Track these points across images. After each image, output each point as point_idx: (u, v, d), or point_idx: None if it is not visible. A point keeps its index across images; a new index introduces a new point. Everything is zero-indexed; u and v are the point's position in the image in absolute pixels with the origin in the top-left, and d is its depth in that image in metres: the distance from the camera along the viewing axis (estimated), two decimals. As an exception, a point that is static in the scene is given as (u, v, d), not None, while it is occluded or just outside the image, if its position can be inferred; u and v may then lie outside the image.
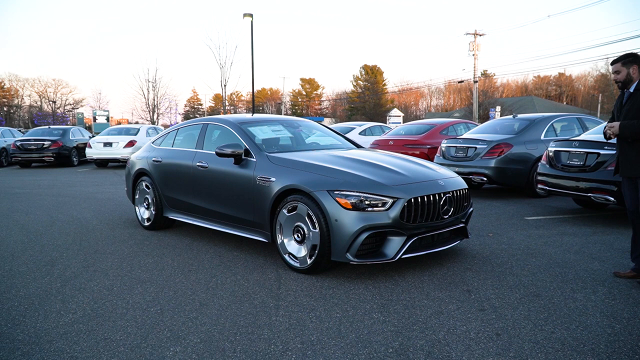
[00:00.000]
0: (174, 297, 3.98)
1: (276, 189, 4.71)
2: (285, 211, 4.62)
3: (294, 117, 6.48)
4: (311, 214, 4.37)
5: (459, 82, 58.81)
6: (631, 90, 4.16)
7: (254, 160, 5.10)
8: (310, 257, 4.42)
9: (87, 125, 53.28)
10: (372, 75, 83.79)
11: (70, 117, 70.32)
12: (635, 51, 4.33)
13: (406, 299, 3.85)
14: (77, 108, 72.73)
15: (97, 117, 47.97)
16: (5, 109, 75.15)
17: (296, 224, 4.56)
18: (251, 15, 21.98)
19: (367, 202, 4.20)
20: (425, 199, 4.37)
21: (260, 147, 5.26)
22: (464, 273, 4.49)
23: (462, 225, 4.88)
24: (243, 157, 5.18)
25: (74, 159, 18.69)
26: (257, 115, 6.57)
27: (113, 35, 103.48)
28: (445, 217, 4.56)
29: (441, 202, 4.49)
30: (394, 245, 4.28)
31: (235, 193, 5.23)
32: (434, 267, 4.68)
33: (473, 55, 49.13)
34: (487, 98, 56.18)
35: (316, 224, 4.33)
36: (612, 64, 4.25)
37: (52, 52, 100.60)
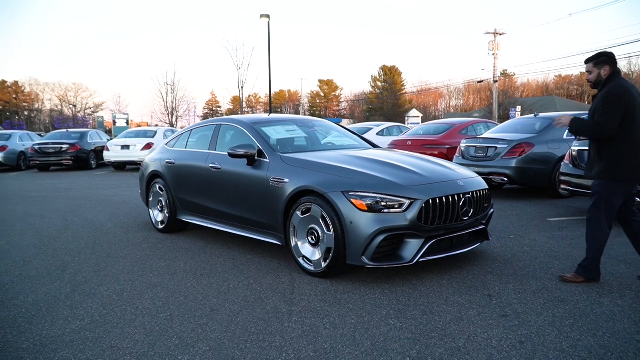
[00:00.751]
0: (184, 303, 3.87)
1: (289, 190, 4.58)
2: (299, 213, 4.49)
3: (309, 117, 6.36)
4: (325, 216, 4.23)
5: (479, 82, 58.31)
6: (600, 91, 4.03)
7: (267, 161, 4.98)
8: (325, 261, 4.29)
9: (107, 128, 53.87)
10: (390, 76, 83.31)
11: (91, 121, 71.13)
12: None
13: (424, 304, 3.69)
14: (97, 112, 73.63)
15: (116, 120, 48.38)
16: (26, 113, 76.35)
17: (310, 227, 4.43)
18: (268, 16, 21.96)
19: (383, 204, 4.05)
20: (444, 200, 4.20)
21: (273, 148, 5.14)
22: (485, 277, 4.31)
23: (482, 227, 4.70)
24: (256, 158, 5.07)
25: (92, 162, 18.80)
26: (271, 116, 6.47)
27: (132, 38, 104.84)
28: (465, 218, 4.39)
29: (460, 203, 4.32)
30: (412, 248, 4.12)
31: (248, 195, 5.12)
32: (453, 270, 4.51)
33: (493, 54, 48.62)
34: (508, 98, 55.44)
35: (331, 227, 4.19)
36: (585, 62, 4.08)
37: (71, 56, 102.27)
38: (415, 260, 4.08)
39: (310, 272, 4.43)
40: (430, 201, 4.12)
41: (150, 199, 6.75)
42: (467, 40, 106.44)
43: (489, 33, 48.50)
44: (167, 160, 6.42)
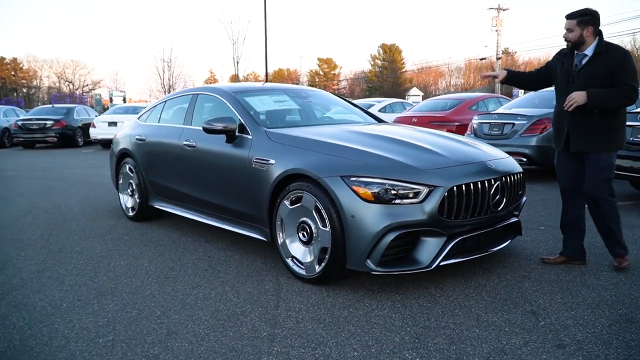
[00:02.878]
0: (135, 321, 2.98)
1: (276, 174, 3.66)
2: (287, 203, 3.58)
3: (303, 87, 5.41)
4: (320, 207, 3.32)
5: (481, 59, 56.95)
6: (587, 53, 3.56)
7: (250, 137, 4.05)
8: (319, 263, 3.38)
9: (105, 106, 52.61)
10: (390, 54, 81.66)
11: (88, 99, 69.82)
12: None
13: (449, 326, 2.80)
14: (95, 89, 72.27)
15: (113, 97, 47.10)
16: (24, 90, 74.96)
17: (301, 220, 3.52)
18: (263, -13, 20.76)
19: (394, 192, 3.13)
20: (472, 187, 3.28)
21: (258, 122, 4.19)
22: (521, 283, 3.42)
23: (515, 219, 3.79)
24: (237, 133, 4.13)
25: (79, 139, 17.81)
26: (257, 84, 5.51)
27: (129, 13, 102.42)
28: (497, 209, 3.48)
29: (492, 191, 3.40)
30: (430, 248, 3.21)
31: (227, 179, 4.20)
32: (478, 274, 3.62)
33: (496, 31, 47.37)
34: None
35: (327, 221, 3.28)
36: (566, 18, 3.59)
37: (69, 32, 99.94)
38: (434, 265, 3.19)
39: (302, 277, 3.53)
40: (455, 189, 3.20)
41: (120, 182, 5.83)
42: (468, 17, 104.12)
43: (492, 9, 47.14)
44: (137, 137, 5.48)
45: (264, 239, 3.90)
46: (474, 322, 2.85)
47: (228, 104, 4.48)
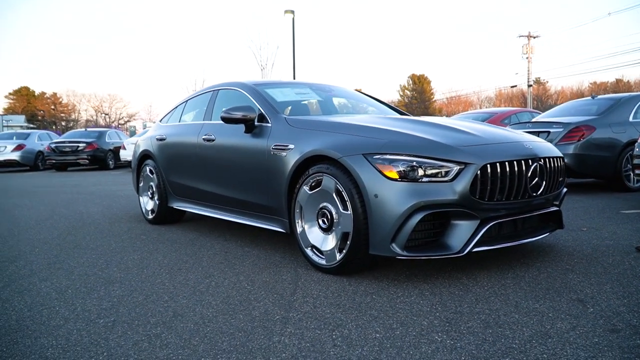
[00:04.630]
0: (140, 304, 2.76)
1: (295, 158, 3.45)
2: (306, 188, 3.35)
3: (326, 83, 5.23)
4: (341, 189, 3.08)
5: (512, 86, 56.48)
6: None
7: (269, 125, 3.86)
8: (340, 251, 3.12)
9: (138, 136, 53.70)
10: (419, 85, 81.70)
11: (124, 131, 71.62)
12: None
13: (485, 312, 2.49)
14: (130, 121, 74.20)
15: (147, 128, 48.14)
16: (63, 123, 77.35)
17: (321, 206, 3.28)
18: (292, 12, 20.98)
19: (421, 170, 2.87)
20: (507, 166, 3.00)
21: (277, 110, 4.01)
22: (565, 275, 3.08)
23: (555, 208, 3.47)
24: (256, 123, 3.96)
25: (110, 162, 18.05)
26: (280, 79, 5.36)
27: (163, 48, 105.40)
28: (535, 194, 3.18)
29: (529, 173, 3.11)
30: (462, 233, 2.92)
31: (245, 170, 4.00)
32: (515, 266, 3.29)
33: (527, 58, 46.88)
34: (542, 104, 53.31)
35: (348, 203, 3.04)
36: None
37: (108, 67, 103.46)
38: (466, 251, 2.89)
39: (322, 267, 3.27)
40: (489, 166, 2.93)
41: (141, 184, 5.71)
42: (498, 46, 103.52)
43: (522, 36, 46.76)
44: (157, 137, 5.37)
45: (283, 231, 3.67)
46: (513, 308, 2.54)
47: (249, 95, 4.33)
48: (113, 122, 75.69)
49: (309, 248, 3.37)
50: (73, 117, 79.23)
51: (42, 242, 4.56)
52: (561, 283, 2.93)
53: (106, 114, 76.26)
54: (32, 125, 60.33)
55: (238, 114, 3.91)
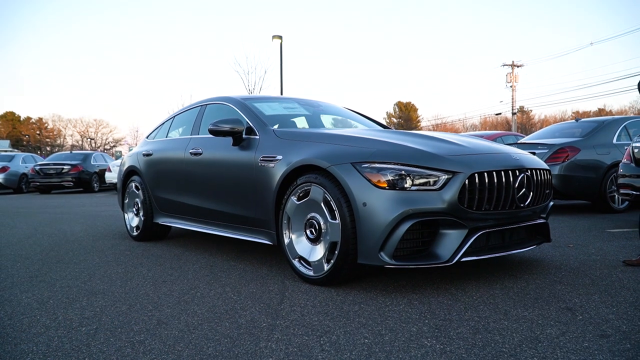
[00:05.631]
0: (124, 313, 2.70)
1: (283, 169, 3.44)
2: (294, 198, 3.33)
3: (314, 99, 5.25)
4: (329, 198, 3.07)
5: (497, 114, 57.12)
6: None
7: (257, 137, 3.86)
8: (328, 262, 3.10)
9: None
10: (406, 112, 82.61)
11: (110, 155, 71.15)
12: None
13: (474, 319, 2.47)
14: (116, 146, 73.85)
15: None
16: (48, 148, 76.82)
17: (309, 216, 3.26)
18: (280, 37, 21.20)
19: (410, 179, 2.88)
20: (495, 176, 3.02)
21: (265, 123, 4.01)
22: (553, 287, 3.07)
23: (542, 221, 3.49)
24: (244, 135, 3.95)
25: (95, 184, 17.84)
26: (269, 94, 5.37)
27: (149, 72, 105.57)
28: (522, 205, 3.19)
29: (517, 184, 3.13)
30: (451, 242, 2.92)
31: (233, 183, 3.98)
32: (504, 277, 3.28)
33: (511, 87, 47.72)
34: (526, 132, 54.16)
35: (336, 212, 3.02)
36: None
37: (93, 92, 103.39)
38: (455, 260, 2.88)
39: (309, 279, 3.23)
40: (477, 175, 2.94)
41: (126, 201, 5.64)
42: (483, 74, 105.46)
43: (506, 65, 47.69)
44: (144, 152, 5.33)
45: (270, 243, 3.63)
46: (502, 315, 2.52)
47: (237, 109, 4.33)
48: (99, 147, 75.36)
49: (297, 259, 3.33)
50: (58, 142, 78.78)
51: (24, 258, 4.47)
52: (549, 293, 2.92)
53: (92, 139, 76.00)
54: (16, 150, 59.76)
55: (226, 127, 3.90)
